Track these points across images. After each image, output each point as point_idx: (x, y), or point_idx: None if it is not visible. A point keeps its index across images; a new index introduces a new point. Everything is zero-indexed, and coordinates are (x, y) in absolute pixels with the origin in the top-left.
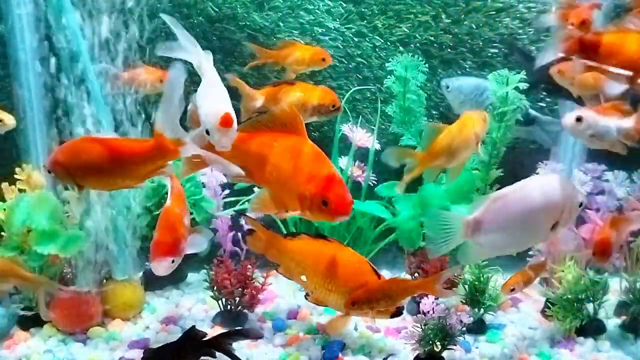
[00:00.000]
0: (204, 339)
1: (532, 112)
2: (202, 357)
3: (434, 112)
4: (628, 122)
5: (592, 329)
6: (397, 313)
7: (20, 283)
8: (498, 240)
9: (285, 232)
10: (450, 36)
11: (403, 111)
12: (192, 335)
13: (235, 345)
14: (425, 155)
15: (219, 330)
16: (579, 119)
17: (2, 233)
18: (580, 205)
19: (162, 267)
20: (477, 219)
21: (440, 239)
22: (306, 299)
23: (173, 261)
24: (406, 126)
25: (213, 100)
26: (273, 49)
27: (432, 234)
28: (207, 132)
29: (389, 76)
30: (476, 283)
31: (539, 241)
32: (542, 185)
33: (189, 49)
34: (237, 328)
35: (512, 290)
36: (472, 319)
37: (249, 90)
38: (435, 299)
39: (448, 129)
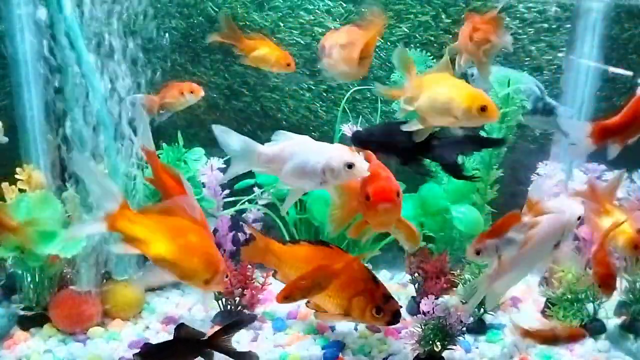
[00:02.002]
0: (202, 338)
1: (552, 101)
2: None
3: None
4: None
5: (592, 329)
6: (394, 320)
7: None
8: (513, 277)
9: (285, 231)
10: (450, 36)
11: None
12: (184, 334)
13: (235, 344)
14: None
15: None
16: (477, 252)
17: None
18: (579, 218)
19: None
20: (494, 271)
21: (474, 298)
22: (307, 305)
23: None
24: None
25: (324, 149)
26: (245, 37)
27: (469, 295)
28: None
29: (395, 71)
30: None
31: (547, 262)
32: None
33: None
34: (227, 323)
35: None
36: (472, 319)
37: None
38: (435, 298)
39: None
